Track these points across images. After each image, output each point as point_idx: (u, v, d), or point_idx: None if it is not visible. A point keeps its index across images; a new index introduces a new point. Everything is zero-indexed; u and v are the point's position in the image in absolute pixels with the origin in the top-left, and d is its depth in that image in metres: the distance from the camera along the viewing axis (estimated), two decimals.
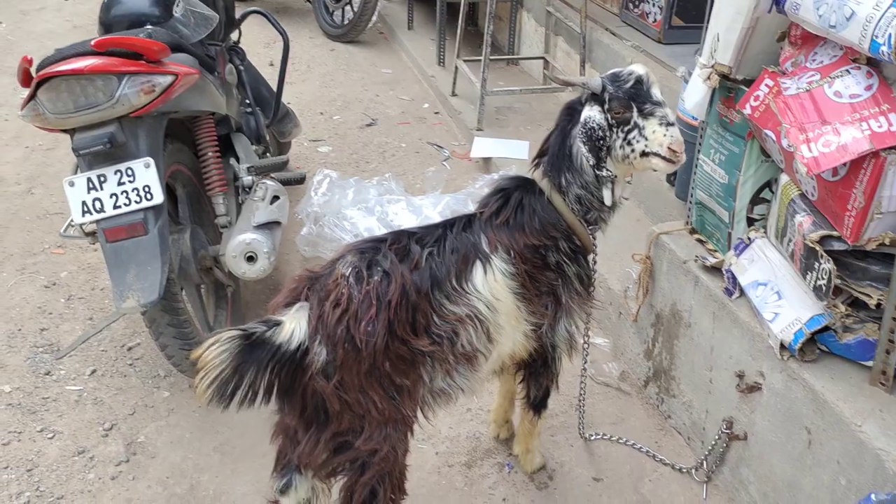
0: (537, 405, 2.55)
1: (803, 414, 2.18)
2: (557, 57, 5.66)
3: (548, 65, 5.77)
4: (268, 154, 3.76)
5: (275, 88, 3.98)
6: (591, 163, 2.13)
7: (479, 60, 5.26)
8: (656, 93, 2.11)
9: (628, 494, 2.65)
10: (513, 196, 2.22)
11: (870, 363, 2.12)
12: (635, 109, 2.08)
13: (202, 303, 3.12)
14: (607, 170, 2.14)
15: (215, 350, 1.78)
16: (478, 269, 2.09)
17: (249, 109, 3.70)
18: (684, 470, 2.70)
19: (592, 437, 2.85)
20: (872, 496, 1.68)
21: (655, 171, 2.16)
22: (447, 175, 4.67)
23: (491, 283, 2.09)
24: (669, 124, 2.07)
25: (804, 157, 1.94)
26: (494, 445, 2.83)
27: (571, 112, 2.20)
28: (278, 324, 1.89)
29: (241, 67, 3.73)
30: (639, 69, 2.12)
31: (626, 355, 3.21)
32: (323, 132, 5.41)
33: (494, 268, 2.10)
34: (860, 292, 2.06)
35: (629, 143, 2.12)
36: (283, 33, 3.94)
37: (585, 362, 2.68)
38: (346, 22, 7.21)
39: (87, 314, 3.50)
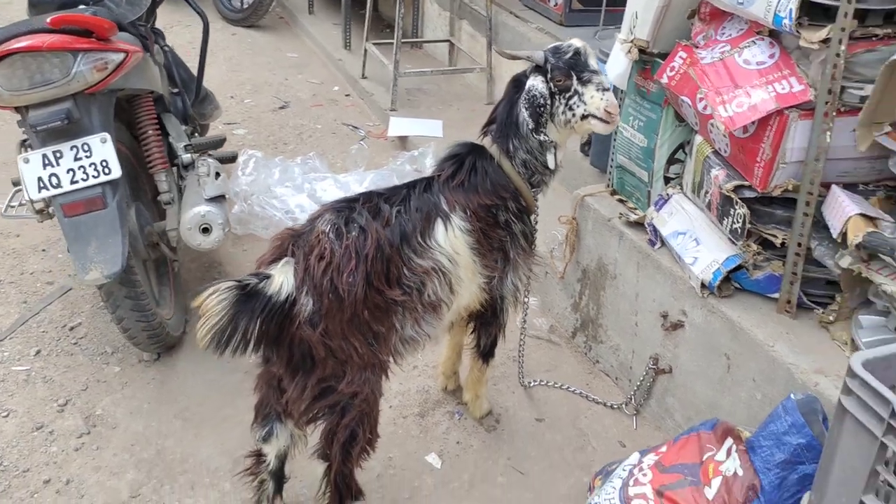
0: (486, 353, 2.78)
1: (722, 343, 2.52)
2: (462, 40, 5.90)
3: (453, 48, 6.01)
4: (196, 134, 3.82)
5: (194, 72, 4.02)
6: (531, 127, 2.36)
7: (388, 44, 5.44)
8: (593, 63, 2.36)
9: (567, 430, 2.93)
10: (466, 160, 2.43)
11: (776, 295, 2.47)
12: (575, 78, 2.33)
13: (148, 279, 3.17)
14: (545, 134, 2.37)
15: (215, 298, 1.91)
16: (439, 226, 2.29)
17: (176, 90, 3.74)
18: (615, 406, 3.01)
19: (531, 384, 3.11)
20: (792, 396, 2.01)
21: (594, 132, 2.41)
22: (368, 153, 4.82)
23: (451, 239, 2.30)
24: (605, 89, 2.33)
25: (721, 116, 2.25)
26: (443, 396, 3.05)
27: (518, 84, 2.42)
28: (268, 277, 2.04)
29: (166, 49, 3.77)
30: (577, 42, 2.37)
31: (553, 311, 3.49)
32: (236, 115, 5.45)
33: (454, 225, 2.31)
34: (768, 234, 2.41)
35: (570, 109, 2.36)
36: (202, 15, 3.98)
37: (525, 317, 2.94)
38: (245, 6, 7.20)
39: (20, 298, 3.47)
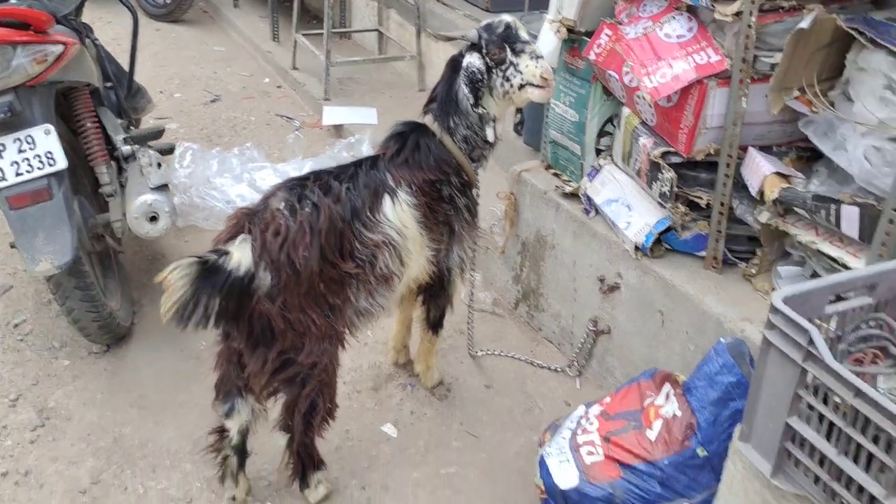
0: (435, 325, 2.90)
1: (656, 300, 2.69)
2: (391, 29, 5.99)
3: (382, 37, 6.09)
4: (131, 128, 3.81)
5: (123, 67, 4.00)
6: (471, 102, 2.47)
7: (317, 34, 5.48)
8: (524, 34, 2.48)
9: (515, 394, 3.07)
10: (409, 138, 2.53)
11: (703, 253, 2.66)
12: (508, 49, 2.44)
13: (94, 270, 3.17)
14: (483, 108, 2.49)
15: (178, 273, 1.97)
16: (387, 201, 2.39)
17: (109, 84, 3.73)
18: (559, 369, 3.16)
19: (479, 354, 3.24)
20: (721, 340, 2.19)
21: (533, 100, 2.52)
22: (304, 143, 4.87)
23: (399, 213, 2.40)
24: (539, 57, 2.44)
25: (647, 87, 2.41)
26: (395, 370, 3.15)
27: (455, 64, 2.53)
28: (227, 253, 2.10)
29: (97, 42, 3.75)
30: (507, 17, 2.48)
31: (496, 284, 3.63)
32: (167, 110, 5.42)
33: (400, 200, 2.41)
34: (693, 196, 2.59)
35: (507, 80, 2.47)
36: (131, 9, 3.96)
37: (472, 291, 3.06)
38: (169, 1, 7.13)
39: None
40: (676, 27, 2.47)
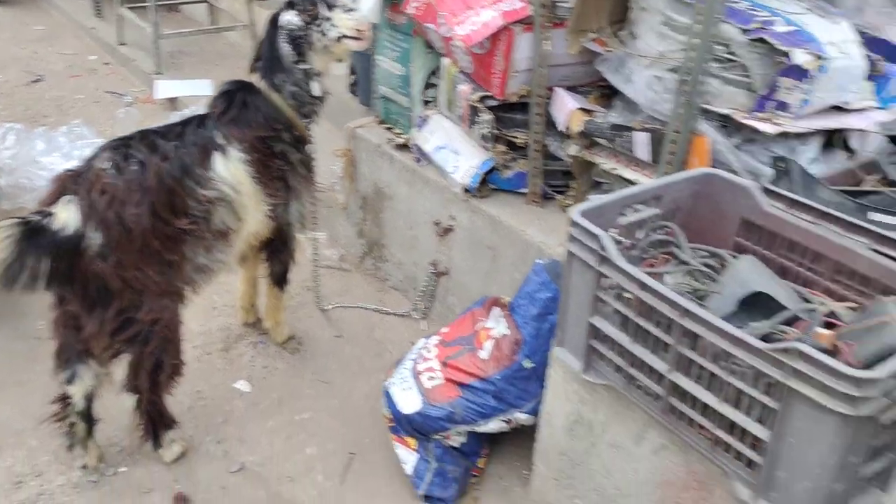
0: (280, 280, 2.97)
1: (486, 237, 2.88)
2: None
3: (212, 8, 5.99)
4: None
5: None
6: (293, 59, 2.55)
7: (142, 7, 5.33)
8: None
9: (365, 342, 3.20)
10: (236, 96, 2.57)
11: (524, 189, 2.86)
12: (322, 4, 2.53)
13: None
14: (306, 63, 2.57)
15: (0, 235, 1.94)
16: (217, 158, 2.43)
17: None
18: (405, 313, 3.32)
19: (328, 308, 3.34)
20: (538, 261, 2.39)
21: (352, 50, 2.61)
22: (138, 117, 4.75)
23: (231, 170, 2.44)
24: (351, 10, 2.55)
25: (459, 35, 2.57)
26: (245, 330, 3.20)
27: (274, 21, 2.59)
28: (51, 214, 2.09)
29: None
30: None
31: (341, 240, 3.73)
32: None
33: (232, 157, 2.45)
34: (511, 136, 2.78)
35: (324, 34, 2.55)
36: None
37: (316, 250, 3.16)
38: None
39: None
40: None
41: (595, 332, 1.96)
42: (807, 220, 1.98)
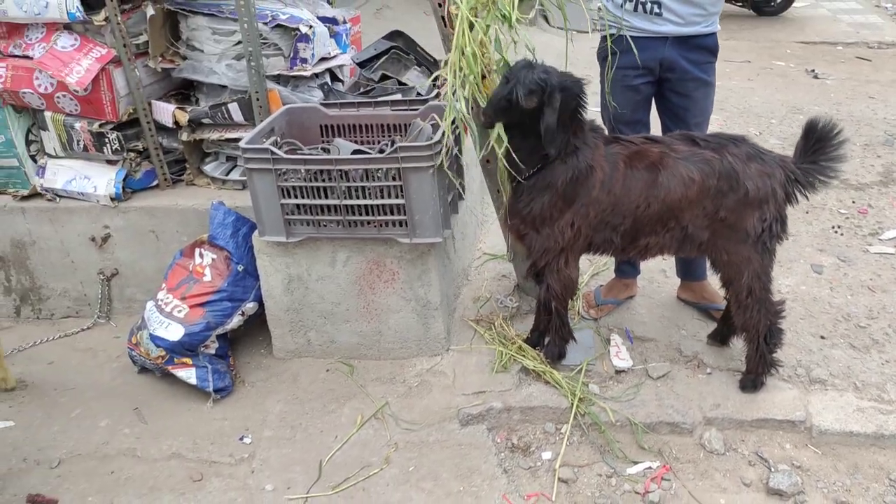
0: None
1: (146, 224, 3.78)
2: None
3: None
4: None
5: None
6: None
7: None
8: None
9: (70, 372, 3.81)
10: None
11: (156, 182, 3.84)
12: None
13: None
14: None
15: None
16: None
17: None
18: (89, 326, 3.99)
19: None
20: (213, 202, 3.48)
21: None
22: None
23: None
24: None
25: (72, 82, 3.42)
26: None
27: None
28: None
29: None
30: None
31: None
32: None
33: None
34: (133, 147, 3.73)
35: None
36: None
37: None
38: None
39: None
40: (65, 40, 3.51)
41: (285, 209, 3.19)
42: (350, 113, 3.51)
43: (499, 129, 2.85)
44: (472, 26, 2.81)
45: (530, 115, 2.76)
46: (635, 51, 3.01)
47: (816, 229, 4.49)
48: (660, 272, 4.02)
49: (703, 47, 3.11)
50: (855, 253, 4.21)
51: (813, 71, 7.80)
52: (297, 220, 3.21)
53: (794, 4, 10.37)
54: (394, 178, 3.04)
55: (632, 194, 2.84)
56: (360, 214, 3.15)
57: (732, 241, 2.88)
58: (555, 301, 3.09)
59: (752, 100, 6.87)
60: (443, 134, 2.95)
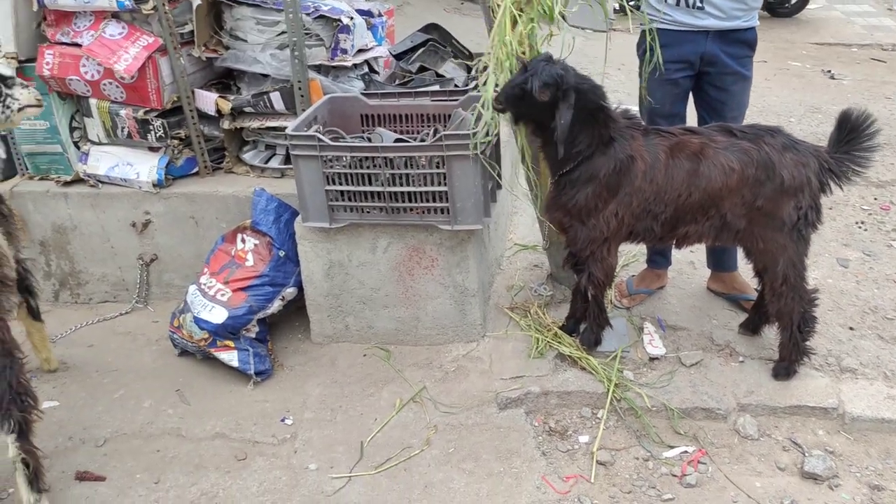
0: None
1: (186, 210, 3.86)
2: None
3: None
4: None
5: None
6: None
7: None
8: (7, 71, 3.22)
9: (119, 351, 3.89)
10: None
11: (196, 170, 3.92)
12: (2, 86, 3.18)
13: None
14: None
15: None
16: None
17: None
18: (126, 311, 4.06)
19: (56, 339, 3.90)
20: (256, 188, 3.56)
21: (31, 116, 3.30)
22: None
23: None
24: (27, 86, 3.21)
25: (120, 70, 3.50)
26: None
27: None
28: None
29: None
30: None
31: None
32: None
33: None
34: (176, 134, 3.80)
35: (8, 107, 3.21)
36: None
37: None
38: None
39: None
40: (113, 29, 3.58)
41: (329, 196, 3.26)
42: (391, 103, 3.58)
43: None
44: (515, 21, 2.89)
45: (542, 108, 2.83)
46: (657, 47, 3.09)
47: (840, 224, 4.56)
48: (688, 264, 4.09)
49: (742, 41, 3.18)
50: (879, 248, 4.28)
51: (829, 71, 7.87)
52: (340, 207, 3.29)
53: (808, 6, 10.44)
54: (437, 166, 3.11)
55: (674, 183, 2.91)
56: (403, 201, 3.22)
57: (769, 228, 2.95)
58: (595, 289, 3.16)
59: (770, 99, 6.94)
60: (484, 123, 3.03)
